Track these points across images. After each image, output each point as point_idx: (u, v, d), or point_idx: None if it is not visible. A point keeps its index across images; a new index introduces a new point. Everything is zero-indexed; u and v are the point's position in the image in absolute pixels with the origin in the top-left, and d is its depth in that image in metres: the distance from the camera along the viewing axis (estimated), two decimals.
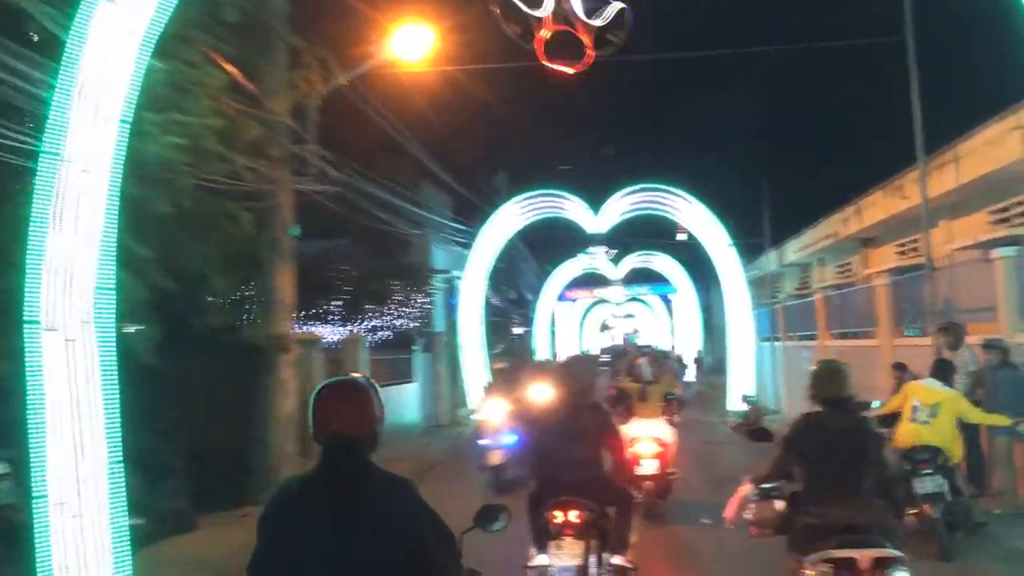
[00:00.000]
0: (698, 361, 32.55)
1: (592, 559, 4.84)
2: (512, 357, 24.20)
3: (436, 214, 21.22)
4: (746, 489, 4.49)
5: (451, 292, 22.46)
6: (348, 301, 15.50)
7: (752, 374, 19.98)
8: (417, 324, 18.07)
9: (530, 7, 6.02)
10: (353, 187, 12.43)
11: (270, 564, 2.44)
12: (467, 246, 21.16)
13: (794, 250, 19.38)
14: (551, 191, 21.09)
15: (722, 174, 24.73)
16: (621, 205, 20.88)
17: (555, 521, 4.93)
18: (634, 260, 37.10)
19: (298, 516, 2.45)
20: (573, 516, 4.90)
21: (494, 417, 10.78)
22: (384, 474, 2.56)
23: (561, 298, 42.99)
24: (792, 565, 4.30)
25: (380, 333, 16.38)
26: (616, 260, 37.26)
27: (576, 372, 5.72)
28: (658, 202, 20.49)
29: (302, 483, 2.53)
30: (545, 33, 6.14)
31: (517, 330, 36.44)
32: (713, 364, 33.52)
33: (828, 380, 4.56)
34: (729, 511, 4.57)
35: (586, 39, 6.21)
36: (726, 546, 6.84)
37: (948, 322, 9.45)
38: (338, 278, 15.44)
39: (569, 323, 54.05)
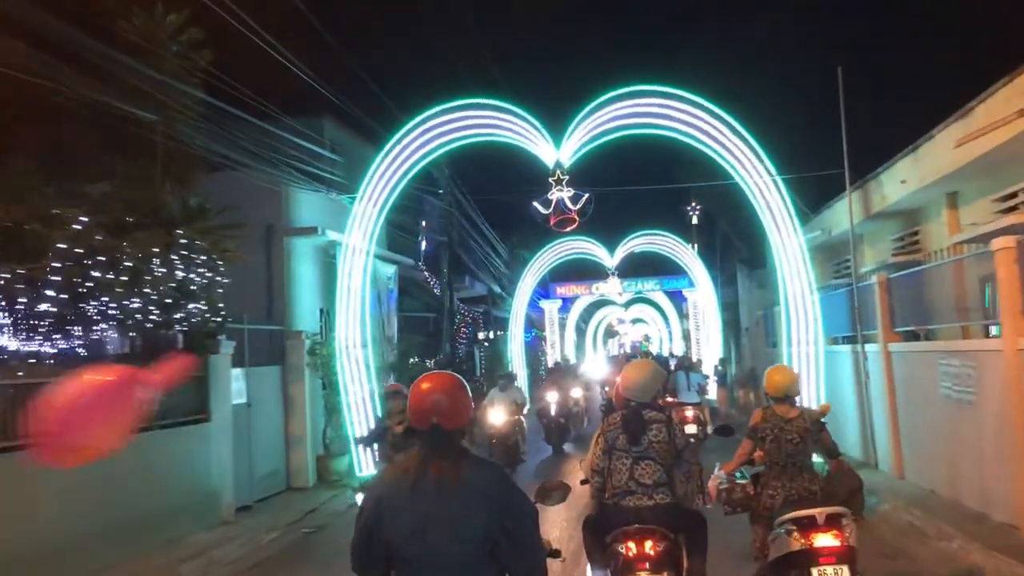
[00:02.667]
0: (720, 373, 24.17)
1: None
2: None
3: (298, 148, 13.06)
4: (718, 476, 5.45)
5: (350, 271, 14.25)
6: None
7: (821, 399, 11.76)
8: (222, 315, 9.85)
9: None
10: None
11: (376, 537, 2.83)
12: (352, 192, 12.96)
13: (906, 178, 10.86)
14: (484, 101, 12.88)
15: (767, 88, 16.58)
16: (591, 127, 12.71)
17: (629, 554, 4.47)
18: (634, 243, 28.85)
19: (402, 488, 2.84)
20: (648, 548, 4.46)
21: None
22: (475, 457, 2.97)
23: (548, 295, 34.78)
24: (758, 533, 5.37)
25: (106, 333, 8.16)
26: (612, 248, 29.07)
27: (644, 373, 4.92)
28: (650, 117, 12.31)
29: (405, 464, 2.92)
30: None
31: (479, 335, 28.29)
32: (740, 376, 25.21)
33: (780, 379, 5.60)
34: (712, 494, 5.43)
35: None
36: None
37: None
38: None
39: (566, 328, 45.97)
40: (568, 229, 13.21)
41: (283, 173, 12.42)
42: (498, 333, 30.35)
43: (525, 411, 13.90)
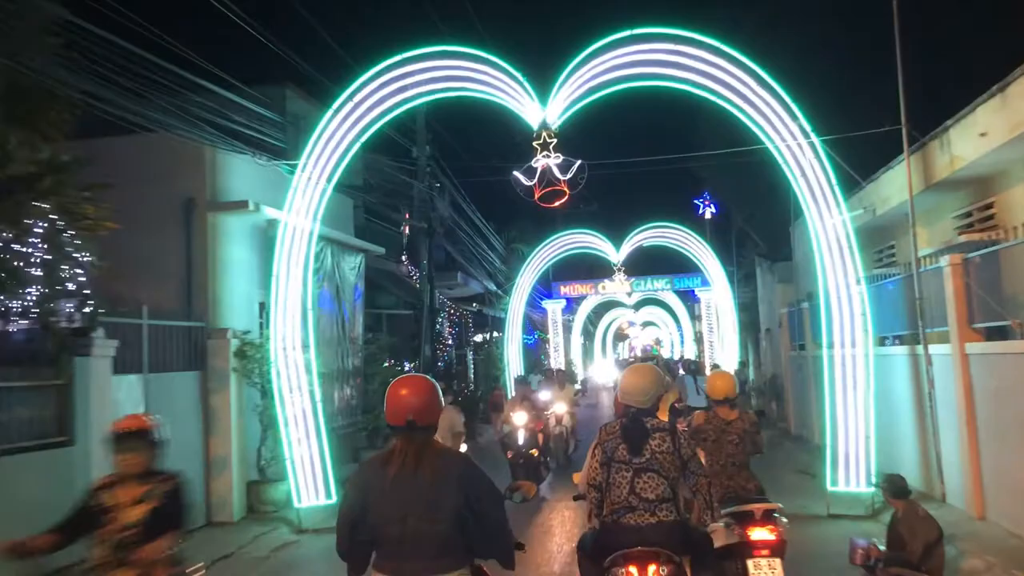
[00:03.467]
0: (738, 380, 21.74)
1: None
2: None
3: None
4: None
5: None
6: None
7: (869, 415, 9.37)
8: (90, 305, 7.49)
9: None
10: None
11: (359, 509, 3.21)
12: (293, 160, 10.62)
13: (987, 130, 8.19)
14: (455, 49, 10.51)
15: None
16: (584, 79, 10.33)
17: None
18: (642, 236, 26.41)
19: (383, 478, 3.19)
20: (652, 574, 4.08)
21: None
22: (445, 448, 3.40)
23: (551, 295, 32.38)
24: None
25: None
26: (617, 243, 26.67)
27: (643, 377, 4.44)
28: (657, 66, 9.97)
29: (384, 457, 3.28)
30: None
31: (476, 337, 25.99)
32: (760, 382, 22.78)
33: (721, 384, 6.13)
34: None
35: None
36: None
37: None
38: None
39: (572, 331, 43.59)
40: (556, 204, 10.76)
41: (207, 135, 10.10)
42: (495, 335, 27.98)
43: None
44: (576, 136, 12.78)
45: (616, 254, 27.05)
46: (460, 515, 3.13)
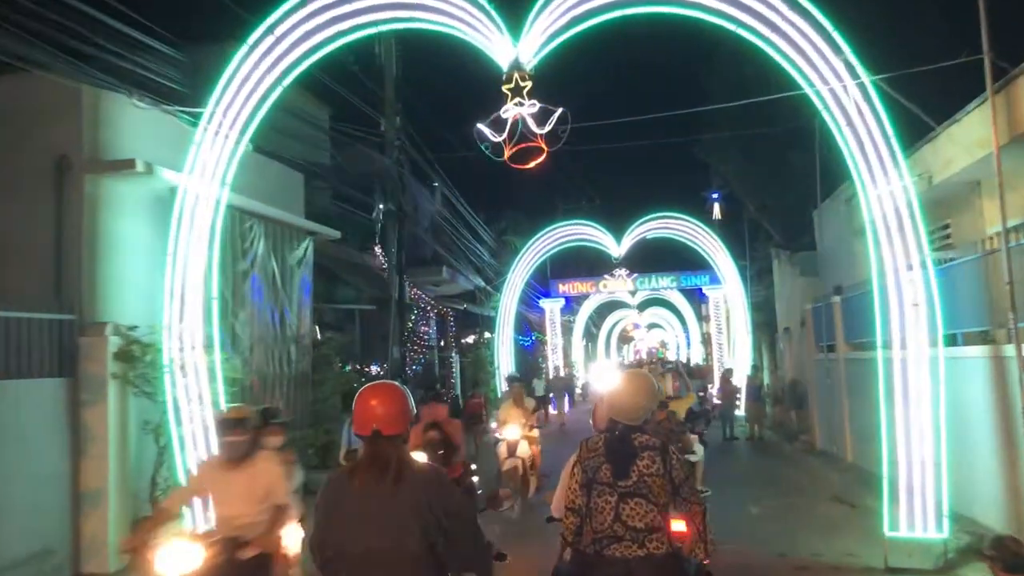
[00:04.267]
0: (754, 385, 19.41)
1: None
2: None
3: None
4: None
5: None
6: None
7: (940, 437, 7.09)
8: None
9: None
10: None
11: (327, 538, 2.99)
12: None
13: None
14: None
15: None
16: (562, 9, 8.06)
17: None
18: (646, 228, 24.09)
19: (347, 491, 3.01)
20: None
21: None
22: (414, 460, 3.15)
23: (549, 294, 30.09)
24: None
25: None
26: (619, 236, 24.38)
27: (634, 389, 3.94)
28: None
29: (352, 469, 3.07)
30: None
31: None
32: (777, 388, 20.47)
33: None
34: None
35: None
36: None
37: None
38: None
39: (573, 332, 41.36)
40: (532, 164, 8.44)
41: (86, 71, 7.86)
42: (486, 335, 25.69)
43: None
44: (556, 87, 10.49)
45: (617, 248, 24.75)
46: (427, 533, 2.95)
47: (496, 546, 3.43)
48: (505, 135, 8.14)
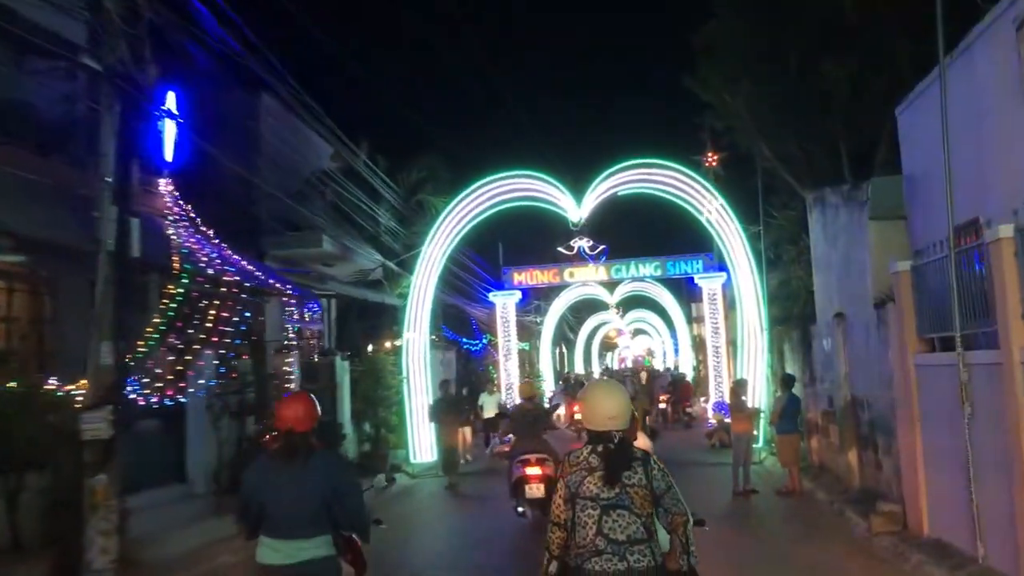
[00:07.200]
0: (790, 410, 12.07)
1: None
2: None
3: None
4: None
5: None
6: None
7: None
8: None
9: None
10: None
11: (252, 500, 4.32)
12: None
13: None
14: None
15: None
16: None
17: None
18: (617, 180, 16.92)
19: (270, 472, 4.33)
20: None
21: None
22: (316, 448, 4.42)
23: (501, 285, 22.61)
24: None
25: None
26: (579, 194, 17.25)
27: (612, 395, 4.00)
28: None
29: (271, 456, 4.42)
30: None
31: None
32: (822, 419, 13.30)
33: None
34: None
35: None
36: None
37: None
38: None
39: (541, 337, 34.29)
40: None
41: None
42: (405, 337, 18.31)
43: None
44: None
45: (577, 210, 17.52)
46: (325, 499, 4.24)
47: (375, 514, 4.73)
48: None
